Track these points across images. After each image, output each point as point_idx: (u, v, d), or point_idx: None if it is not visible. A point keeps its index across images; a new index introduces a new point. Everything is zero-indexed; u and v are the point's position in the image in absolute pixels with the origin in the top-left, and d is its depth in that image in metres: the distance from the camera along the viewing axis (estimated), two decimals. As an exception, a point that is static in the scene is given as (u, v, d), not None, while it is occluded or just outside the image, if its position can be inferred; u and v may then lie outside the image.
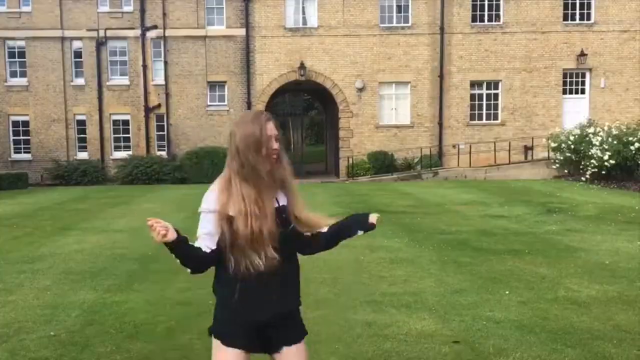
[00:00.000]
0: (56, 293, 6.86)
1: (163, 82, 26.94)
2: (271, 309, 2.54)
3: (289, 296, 2.62)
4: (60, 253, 9.34)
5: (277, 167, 2.57)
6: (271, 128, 2.56)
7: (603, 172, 21.51)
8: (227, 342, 2.54)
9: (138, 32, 26.81)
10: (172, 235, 2.36)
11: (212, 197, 2.53)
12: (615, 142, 21.48)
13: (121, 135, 27.34)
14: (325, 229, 2.73)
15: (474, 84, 27.03)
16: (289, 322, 2.63)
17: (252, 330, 2.55)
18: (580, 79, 27.11)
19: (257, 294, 2.52)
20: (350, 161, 26.31)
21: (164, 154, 26.88)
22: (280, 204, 2.60)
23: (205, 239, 2.50)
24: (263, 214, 2.48)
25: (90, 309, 6.17)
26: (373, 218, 2.74)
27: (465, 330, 5.31)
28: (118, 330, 5.47)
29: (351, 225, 2.76)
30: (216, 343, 2.59)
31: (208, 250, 2.49)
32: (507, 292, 6.56)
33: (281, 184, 2.61)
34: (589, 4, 26.73)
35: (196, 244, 2.50)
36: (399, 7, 26.94)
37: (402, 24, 26.98)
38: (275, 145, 2.55)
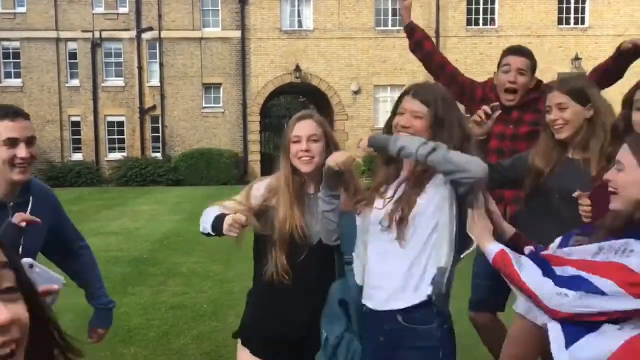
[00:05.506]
0: (50, 296, 6.81)
1: (158, 84, 26.87)
2: None
3: None
4: (54, 256, 9.28)
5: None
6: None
7: (598, 176, 21.56)
8: None
9: (133, 33, 26.74)
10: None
11: None
12: (609, 146, 21.53)
13: (116, 136, 27.25)
14: None
15: (469, 88, 27.04)
16: None
17: None
18: (575, 83, 27.19)
19: None
20: (346, 164, 26.27)
21: (159, 155, 26.79)
22: None
23: None
24: None
25: (84, 313, 6.07)
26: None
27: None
28: (112, 334, 5.40)
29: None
30: None
31: None
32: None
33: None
34: (583, 9, 26.86)
35: None
36: (394, 10, 26.95)
37: (397, 27, 26.94)
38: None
